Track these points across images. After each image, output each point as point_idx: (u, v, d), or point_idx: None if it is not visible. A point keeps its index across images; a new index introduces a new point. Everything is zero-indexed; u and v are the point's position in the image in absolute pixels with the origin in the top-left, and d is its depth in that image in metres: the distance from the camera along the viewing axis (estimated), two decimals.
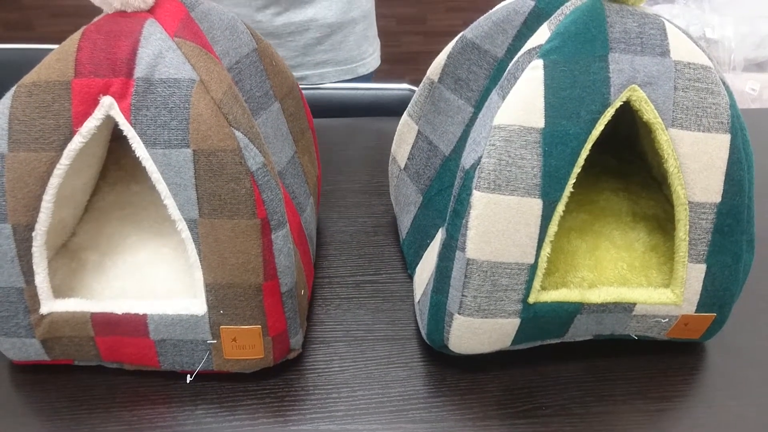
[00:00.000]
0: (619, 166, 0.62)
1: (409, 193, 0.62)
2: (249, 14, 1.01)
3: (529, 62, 0.45)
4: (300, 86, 0.60)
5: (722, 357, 0.54)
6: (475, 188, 0.44)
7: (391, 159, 0.65)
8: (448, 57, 0.56)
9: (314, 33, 1.04)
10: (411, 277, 0.61)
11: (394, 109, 1.01)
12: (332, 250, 0.65)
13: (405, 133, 0.62)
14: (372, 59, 1.16)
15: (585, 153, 0.44)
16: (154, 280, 0.51)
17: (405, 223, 0.62)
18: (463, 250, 0.46)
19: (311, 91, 1.04)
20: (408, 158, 0.62)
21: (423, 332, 0.52)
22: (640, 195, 0.58)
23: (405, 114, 0.62)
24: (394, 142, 0.64)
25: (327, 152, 0.81)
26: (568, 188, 0.45)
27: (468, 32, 0.55)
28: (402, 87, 1.06)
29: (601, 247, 0.53)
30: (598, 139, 0.44)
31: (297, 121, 0.59)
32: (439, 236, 0.52)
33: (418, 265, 0.59)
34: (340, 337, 0.55)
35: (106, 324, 0.47)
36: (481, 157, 0.44)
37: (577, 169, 0.44)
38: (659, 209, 0.56)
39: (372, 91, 1.05)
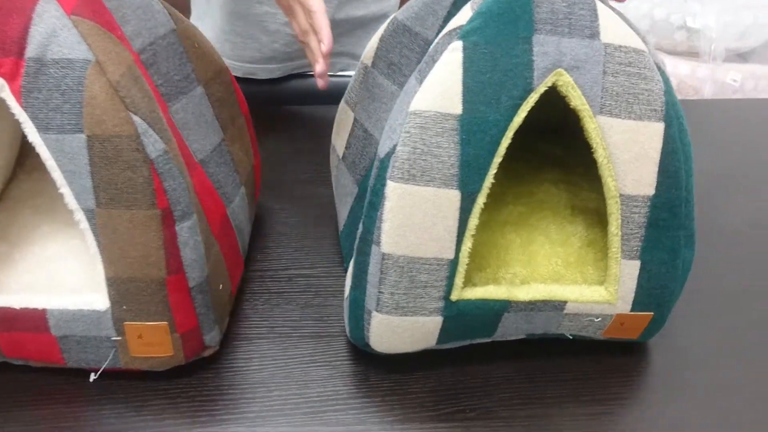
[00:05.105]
0: (565, 156, 0.59)
1: (346, 183, 0.59)
2: None
3: (449, 44, 0.42)
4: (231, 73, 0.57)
5: (664, 357, 0.52)
6: (389, 178, 0.42)
7: (331, 148, 0.62)
8: (381, 40, 0.53)
9: None
10: (347, 270, 0.58)
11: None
12: (269, 242, 0.63)
13: (343, 120, 0.59)
14: None
15: (506, 142, 0.42)
16: (63, 273, 0.49)
17: (343, 215, 0.60)
18: (378, 244, 0.43)
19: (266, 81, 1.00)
20: (346, 147, 0.59)
21: (347, 330, 0.49)
22: (581, 187, 0.55)
23: (342, 101, 0.59)
24: (333, 130, 0.61)
25: (273, 141, 0.78)
26: (489, 179, 0.42)
27: (399, 14, 0.52)
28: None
29: (536, 242, 0.50)
30: (542, 126, 0.42)
31: (226, 108, 0.56)
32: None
33: (353, 259, 0.56)
34: (263, 334, 0.52)
35: (4, 319, 0.45)
36: (396, 145, 0.42)
37: (497, 159, 0.42)
38: (600, 202, 0.53)
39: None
